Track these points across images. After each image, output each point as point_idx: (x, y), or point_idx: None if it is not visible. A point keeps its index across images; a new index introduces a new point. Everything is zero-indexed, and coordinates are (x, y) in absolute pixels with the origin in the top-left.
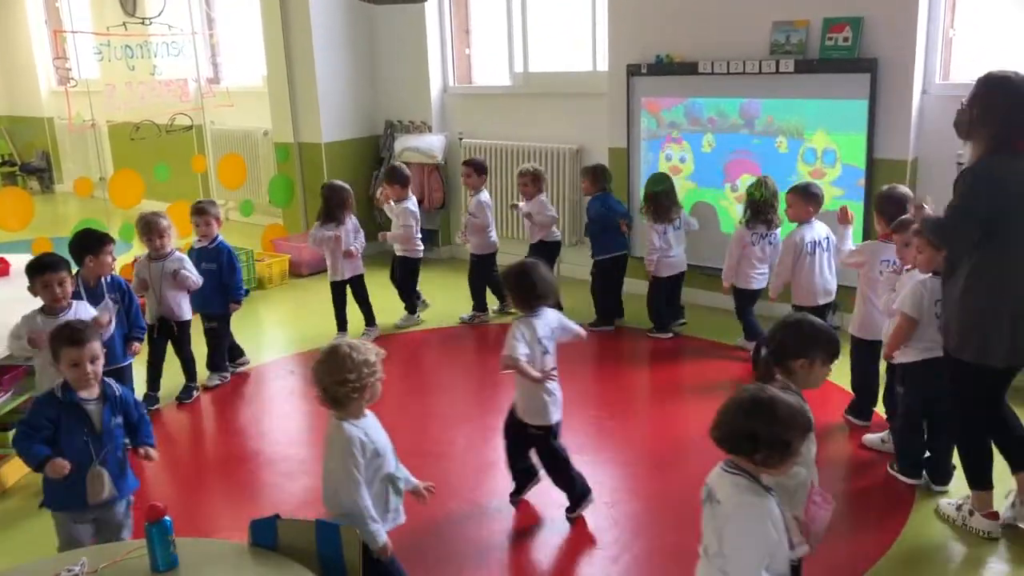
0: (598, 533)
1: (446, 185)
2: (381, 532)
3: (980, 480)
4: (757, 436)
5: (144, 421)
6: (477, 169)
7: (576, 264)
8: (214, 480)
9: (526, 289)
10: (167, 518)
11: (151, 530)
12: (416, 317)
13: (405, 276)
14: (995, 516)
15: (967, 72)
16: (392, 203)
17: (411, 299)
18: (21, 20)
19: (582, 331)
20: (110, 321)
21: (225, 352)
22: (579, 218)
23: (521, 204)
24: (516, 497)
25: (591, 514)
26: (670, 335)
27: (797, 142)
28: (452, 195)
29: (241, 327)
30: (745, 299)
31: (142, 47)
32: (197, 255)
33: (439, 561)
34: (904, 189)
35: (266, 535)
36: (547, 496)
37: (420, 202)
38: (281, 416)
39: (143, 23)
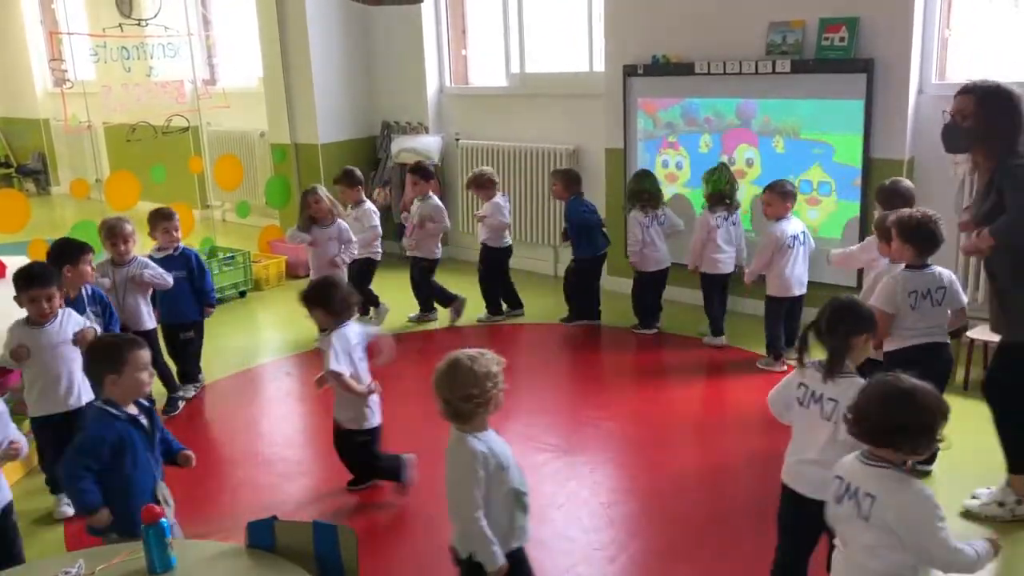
0: (595, 533)
1: (443, 187)
2: (498, 555)
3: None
4: (907, 427)
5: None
6: (424, 175)
7: None
8: (211, 482)
9: (335, 303)
10: (164, 520)
11: (148, 532)
12: (431, 315)
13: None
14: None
15: (963, 72)
16: (350, 206)
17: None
18: (17, 22)
19: (385, 335)
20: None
21: (199, 361)
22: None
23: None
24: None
25: (588, 514)
26: (655, 331)
27: (794, 142)
28: (449, 196)
29: (238, 329)
30: (714, 285)
31: (138, 48)
32: (163, 265)
33: (435, 560)
34: (907, 183)
35: (263, 536)
36: (546, 496)
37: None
38: (278, 417)
39: (139, 24)
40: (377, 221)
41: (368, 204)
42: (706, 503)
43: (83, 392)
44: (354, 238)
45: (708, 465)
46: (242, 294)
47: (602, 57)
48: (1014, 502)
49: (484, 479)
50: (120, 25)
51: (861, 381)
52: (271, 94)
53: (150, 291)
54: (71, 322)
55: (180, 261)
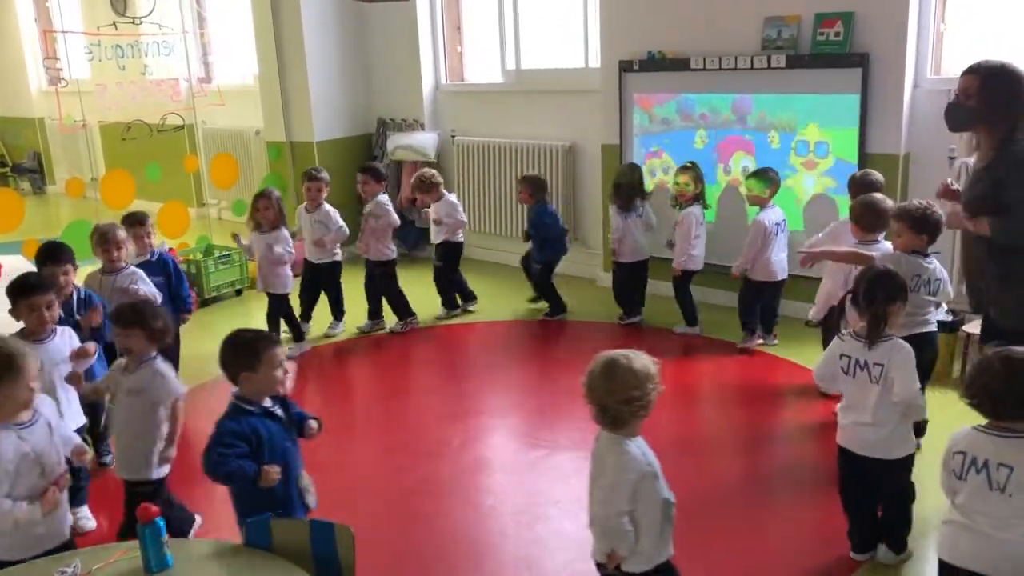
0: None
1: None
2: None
3: None
4: None
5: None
6: (375, 176)
7: (569, 261)
8: (208, 480)
9: (155, 328)
10: (160, 519)
11: (144, 531)
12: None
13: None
14: None
15: (958, 66)
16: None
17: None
18: (11, 20)
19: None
20: (95, 352)
21: (177, 367)
22: (572, 216)
23: (428, 210)
24: None
25: (585, 509)
26: (639, 318)
27: (790, 136)
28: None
29: (235, 326)
30: (688, 279)
31: (133, 47)
32: (141, 270)
33: (434, 560)
34: (878, 175)
35: (260, 535)
36: (543, 492)
37: (413, 201)
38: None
39: (134, 23)
40: (341, 222)
41: (327, 207)
42: (704, 496)
43: (75, 416)
44: (292, 249)
45: (705, 458)
46: (238, 292)
47: (597, 53)
48: None
49: (635, 486)
50: (115, 23)
51: (902, 343)
52: (266, 92)
53: None
54: (68, 339)
55: (157, 267)
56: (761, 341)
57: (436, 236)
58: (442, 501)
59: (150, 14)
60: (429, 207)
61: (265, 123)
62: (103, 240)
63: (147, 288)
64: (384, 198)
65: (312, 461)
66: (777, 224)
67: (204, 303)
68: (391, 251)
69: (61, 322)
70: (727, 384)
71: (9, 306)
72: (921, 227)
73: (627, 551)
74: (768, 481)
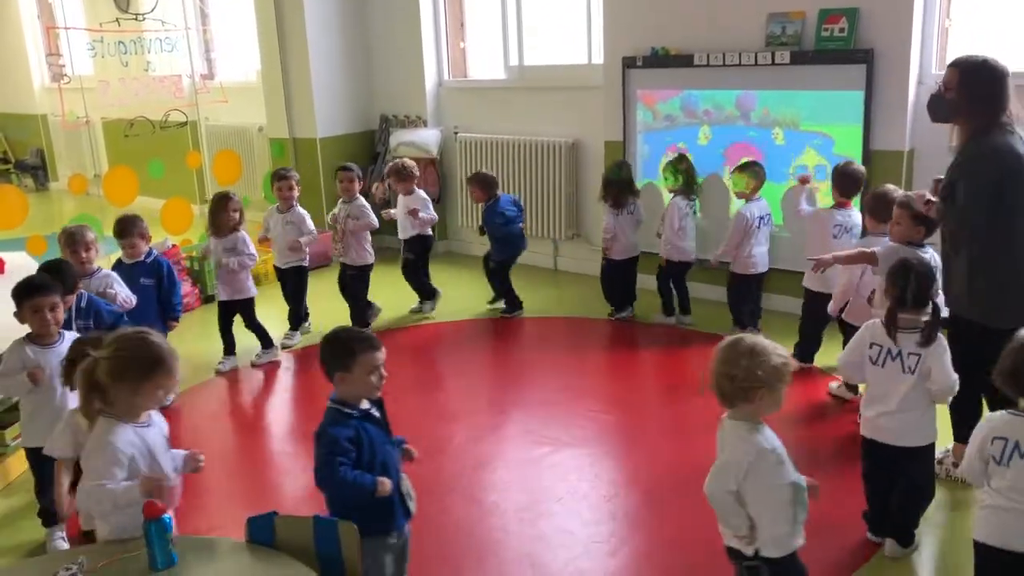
0: (596, 527)
1: (442, 180)
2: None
3: (968, 434)
4: None
5: None
6: (358, 176)
7: (573, 258)
8: (211, 478)
9: None
10: (166, 516)
11: (149, 528)
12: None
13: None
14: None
15: None
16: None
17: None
18: (13, 16)
19: None
20: None
21: None
22: (574, 212)
23: (393, 211)
24: None
25: (588, 507)
26: (628, 313)
27: (793, 133)
28: (448, 190)
29: (237, 323)
30: (676, 270)
31: (136, 43)
32: (131, 270)
33: (436, 557)
34: (859, 166)
35: (264, 532)
36: (546, 490)
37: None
38: (276, 412)
39: (136, 19)
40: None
41: (299, 209)
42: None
43: None
44: (254, 250)
45: (708, 456)
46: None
47: (601, 49)
48: (951, 464)
49: (748, 468)
50: (117, 20)
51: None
52: (269, 88)
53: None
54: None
55: (150, 268)
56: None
57: (406, 231)
58: (444, 498)
59: (153, 10)
60: (387, 200)
61: (268, 119)
62: (71, 241)
63: (122, 291)
64: (363, 200)
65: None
66: (760, 217)
67: (207, 299)
68: (370, 255)
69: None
70: (689, 365)
71: (14, 308)
72: (921, 219)
73: (742, 529)
74: None
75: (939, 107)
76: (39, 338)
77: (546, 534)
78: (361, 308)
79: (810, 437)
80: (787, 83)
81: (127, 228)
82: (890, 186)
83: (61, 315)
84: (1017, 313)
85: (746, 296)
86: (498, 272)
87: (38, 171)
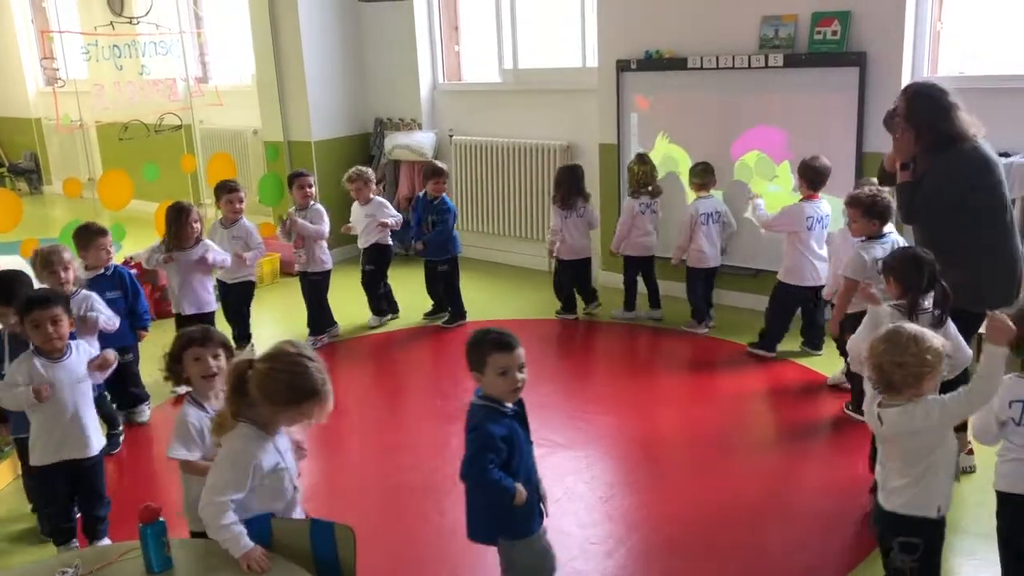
0: (592, 528)
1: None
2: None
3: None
4: None
5: None
6: (310, 182)
7: None
8: None
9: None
10: (162, 519)
11: (145, 531)
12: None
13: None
14: (972, 451)
15: (955, 65)
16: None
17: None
18: (7, 20)
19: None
20: (115, 359)
21: (139, 380)
22: None
23: (350, 225)
24: None
25: (585, 508)
26: (574, 316)
27: (786, 136)
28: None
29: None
30: (632, 265)
31: (130, 47)
32: (96, 285)
33: (434, 559)
34: (824, 161)
35: (260, 534)
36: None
37: (410, 200)
38: None
39: (131, 22)
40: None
41: (246, 222)
42: (704, 496)
43: (96, 437)
44: (227, 256)
45: (705, 457)
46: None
47: (595, 52)
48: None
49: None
50: (112, 23)
51: None
52: (264, 91)
53: (96, 331)
54: (85, 353)
55: (114, 281)
56: (707, 331)
57: (365, 240)
58: (442, 500)
59: (147, 14)
60: (304, 216)
61: (262, 123)
62: (48, 263)
63: (104, 314)
64: (320, 207)
65: (312, 463)
66: (707, 214)
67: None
68: (327, 261)
69: None
70: (736, 395)
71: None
72: (871, 212)
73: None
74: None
75: (890, 125)
76: (46, 352)
77: None
78: (318, 315)
79: (800, 423)
80: (780, 86)
81: (89, 238)
82: (870, 187)
83: (65, 329)
84: (994, 299)
85: (694, 288)
86: (452, 276)
87: (32, 175)
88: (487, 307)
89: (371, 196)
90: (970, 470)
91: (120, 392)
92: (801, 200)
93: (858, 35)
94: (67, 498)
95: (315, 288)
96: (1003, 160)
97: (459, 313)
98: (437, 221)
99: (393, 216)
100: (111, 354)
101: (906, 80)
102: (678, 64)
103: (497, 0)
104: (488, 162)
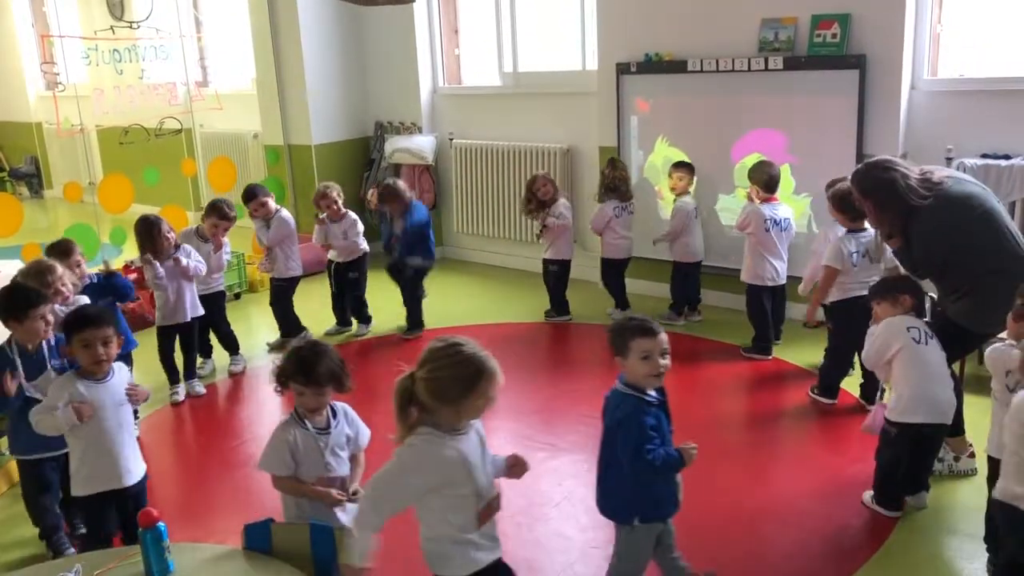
0: (593, 532)
1: (437, 186)
2: None
3: (958, 428)
4: None
5: None
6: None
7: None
8: (207, 485)
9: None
10: (161, 524)
11: (145, 536)
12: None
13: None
14: (973, 454)
15: (955, 68)
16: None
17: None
18: (8, 24)
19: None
20: (146, 396)
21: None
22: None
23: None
24: None
25: (585, 511)
26: (568, 318)
27: (786, 138)
28: (443, 196)
29: (234, 329)
30: (613, 268)
31: (130, 51)
32: (89, 295)
33: None
34: (774, 164)
35: (260, 539)
36: (542, 494)
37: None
38: (274, 419)
39: (131, 27)
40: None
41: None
42: (704, 497)
43: (140, 462)
44: (201, 264)
45: (704, 458)
46: (237, 296)
47: (595, 55)
48: (952, 459)
49: None
50: (112, 28)
51: None
52: (264, 95)
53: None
54: (124, 375)
55: (100, 288)
56: (683, 322)
57: (347, 256)
58: None
59: (147, 18)
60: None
61: (263, 126)
62: (44, 283)
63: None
64: (286, 214)
65: None
66: (696, 208)
67: None
68: (295, 268)
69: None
70: (732, 395)
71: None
72: (844, 207)
73: None
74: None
75: (858, 211)
76: (90, 373)
77: (543, 539)
78: (290, 322)
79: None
80: (780, 88)
81: (66, 252)
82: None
83: (115, 349)
84: (992, 322)
85: (682, 282)
86: (419, 280)
87: (33, 179)
88: (486, 310)
89: (342, 212)
90: (971, 473)
91: None
92: (760, 203)
93: (858, 38)
94: (117, 529)
95: (279, 293)
96: (1003, 163)
97: (417, 323)
98: (415, 228)
99: (361, 237)
100: (143, 391)
101: (906, 82)
102: (678, 67)
103: (497, 3)
104: (488, 165)
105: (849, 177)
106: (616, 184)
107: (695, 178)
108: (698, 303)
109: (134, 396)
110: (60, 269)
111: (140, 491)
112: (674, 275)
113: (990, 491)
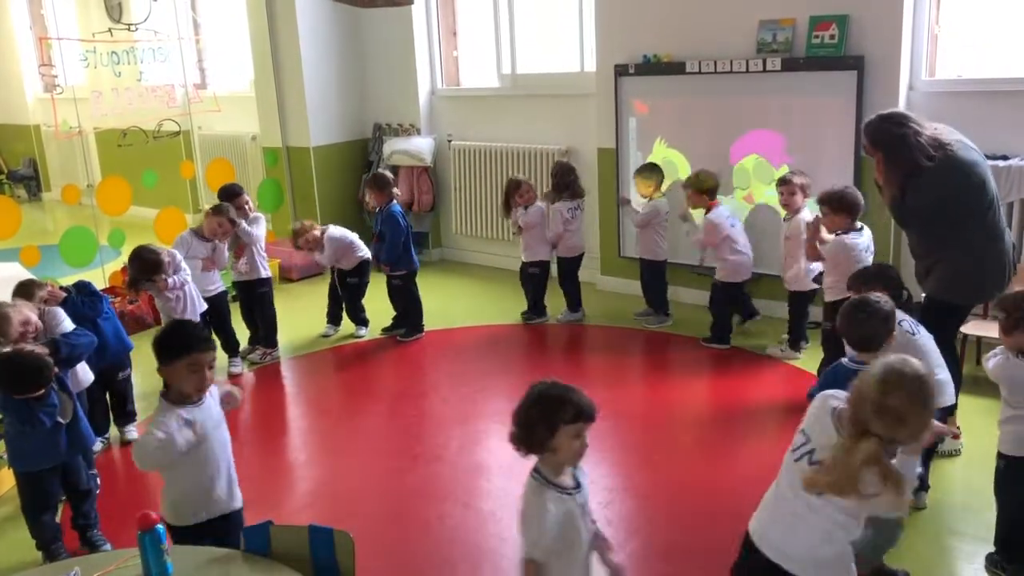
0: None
1: (436, 188)
2: None
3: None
4: None
5: None
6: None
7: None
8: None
9: None
10: (160, 526)
11: (144, 539)
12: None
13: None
14: (958, 436)
15: (953, 68)
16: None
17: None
18: (6, 27)
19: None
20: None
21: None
22: None
23: (318, 256)
24: None
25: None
26: (544, 318)
27: (784, 139)
28: (442, 197)
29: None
30: (572, 266)
31: (128, 53)
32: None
33: (432, 564)
34: (710, 172)
35: (259, 541)
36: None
37: (410, 205)
38: (273, 421)
39: (129, 29)
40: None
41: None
42: (703, 500)
43: (237, 488)
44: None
45: (703, 460)
46: (235, 298)
47: (593, 57)
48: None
49: None
50: (110, 30)
51: None
52: (262, 98)
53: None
54: (216, 394)
55: (78, 315)
56: (670, 321)
57: (347, 263)
58: (441, 505)
59: (145, 20)
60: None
61: (261, 128)
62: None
63: (78, 339)
64: (335, 231)
65: (312, 469)
66: (668, 211)
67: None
68: (266, 269)
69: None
70: (732, 397)
71: (157, 364)
72: (839, 206)
73: None
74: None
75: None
76: (188, 398)
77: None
78: (269, 326)
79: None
80: (778, 90)
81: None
82: (844, 188)
83: (214, 373)
84: (975, 292)
85: (657, 283)
86: (413, 292)
87: (31, 181)
88: (484, 311)
89: (320, 242)
90: (955, 453)
91: (119, 409)
92: (708, 211)
93: (856, 39)
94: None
95: (264, 298)
96: (1001, 163)
97: (416, 327)
98: (385, 231)
99: (356, 246)
100: (236, 391)
101: (904, 83)
102: (676, 68)
103: (495, 5)
104: (487, 167)
105: (862, 127)
106: (568, 183)
107: (662, 180)
108: (752, 316)
109: (230, 401)
110: (16, 316)
111: (242, 519)
112: (642, 273)
113: (998, 493)
